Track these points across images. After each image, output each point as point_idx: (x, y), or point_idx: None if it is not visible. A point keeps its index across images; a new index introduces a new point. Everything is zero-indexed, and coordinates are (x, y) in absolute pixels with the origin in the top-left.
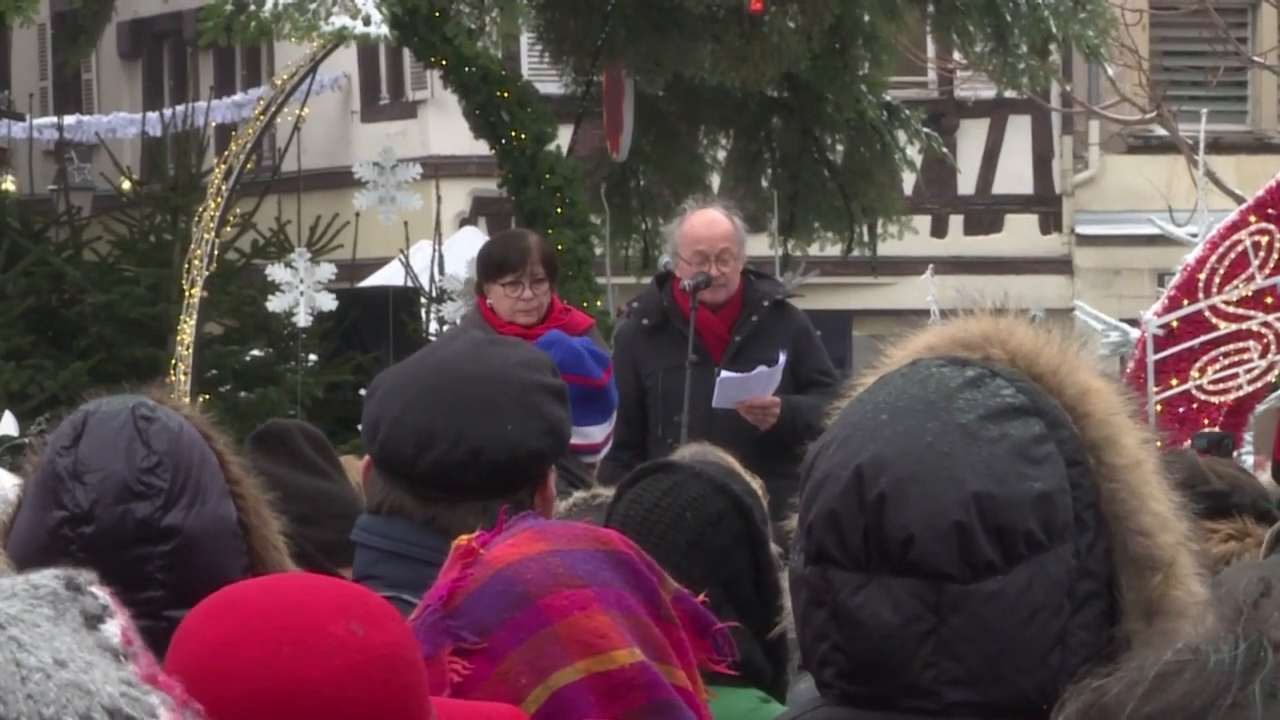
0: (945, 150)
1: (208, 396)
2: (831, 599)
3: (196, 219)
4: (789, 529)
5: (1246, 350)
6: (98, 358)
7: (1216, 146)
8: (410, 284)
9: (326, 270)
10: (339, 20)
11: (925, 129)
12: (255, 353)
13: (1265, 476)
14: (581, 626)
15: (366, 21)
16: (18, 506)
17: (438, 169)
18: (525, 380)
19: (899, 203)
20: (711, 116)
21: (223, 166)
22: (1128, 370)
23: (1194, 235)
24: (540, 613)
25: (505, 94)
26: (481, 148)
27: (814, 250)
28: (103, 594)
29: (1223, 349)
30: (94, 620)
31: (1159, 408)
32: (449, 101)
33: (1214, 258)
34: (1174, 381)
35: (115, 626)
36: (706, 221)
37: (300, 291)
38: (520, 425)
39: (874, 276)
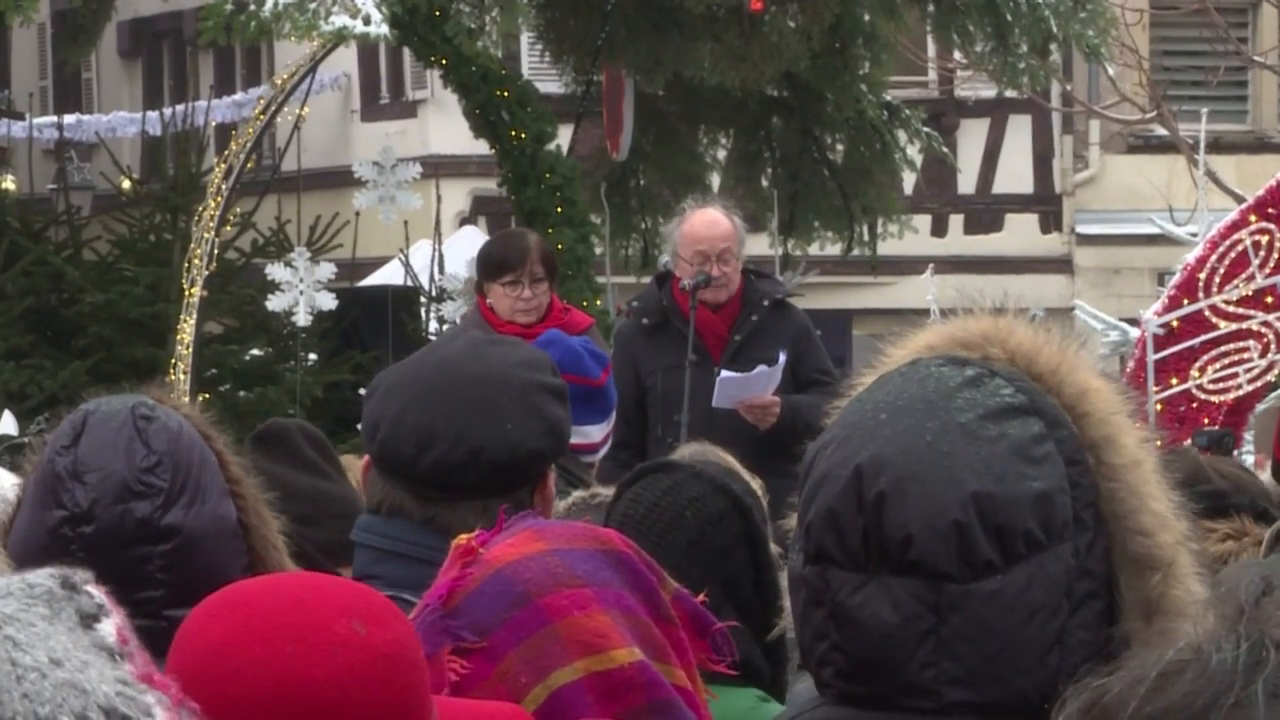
0: (945, 150)
1: (207, 396)
2: (830, 598)
3: (196, 218)
4: (788, 528)
5: (1246, 350)
6: (97, 357)
7: (1217, 146)
8: (410, 283)
9: (326, 270)
10: (339, 20)
11: (925, 128)
12: (255, 352)
13: (1265, 475)
14: (581, 626)
15: (366, 21)
16: (17, 506)
17: (437, 168)
18: (525, 380)
19: (899, 202)
20: (711, 116)
21: (222, 166)
22: (1128, 370)
23: (1194, 235)
24: (540, 612)
25: (505, 93)
26: (481, 147)
27: (814, 250)
28: (98, 593)
29: (1223, 348)
30: (89, 619)
31: (1159, 407)
32: (449, 101)
33: (1214, 257)
34: (1174, 381)
35: (111, 625)
36: (707, 221)
37: (300, 291)
38: (520, 425)
39: (874, 276)
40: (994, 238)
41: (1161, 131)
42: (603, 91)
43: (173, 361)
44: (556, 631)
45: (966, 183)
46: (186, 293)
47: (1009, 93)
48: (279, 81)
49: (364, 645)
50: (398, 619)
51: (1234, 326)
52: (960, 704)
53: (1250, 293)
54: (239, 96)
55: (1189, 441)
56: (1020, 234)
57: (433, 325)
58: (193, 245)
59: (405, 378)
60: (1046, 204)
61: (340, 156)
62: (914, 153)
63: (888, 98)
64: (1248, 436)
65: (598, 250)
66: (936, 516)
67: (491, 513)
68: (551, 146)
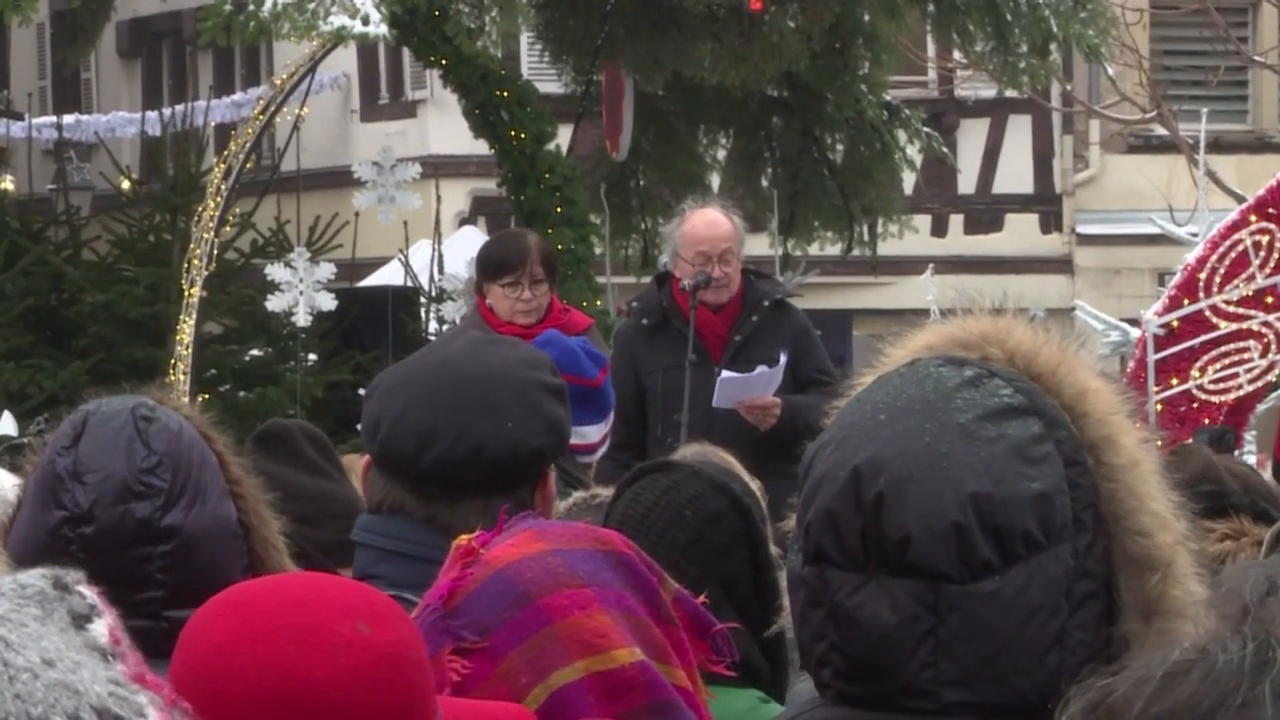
0: (945, 150)
1: (207, 396)
2: (829, 599)
3: (196, 218)
4: (788, 529)
5: (1247, 350)
6: (97, 357)
7: (1217, 146)
8: (410, 283)
9: (326, 270)
10: (338, 20)
11: (925, 128)
12: (255, 352)
13: (1266, 475)
14: (582, 626)
15: (365, 21)
16: (18, 506)
17: (437, 168)
18: (525, 379)
19: (899, 202)
20: (711, 116)
21: (222, 166)
22: (1128, 370)
23: (1194, 235)
24: (540, 612)
25: (505, 93)
26: (481, 147)
27: (814, 250)
28: (90, 593)
29: (1223, 348)
30: (82, 620)
31: (1159, 407)
32: (448, 101)
33: (1214, 257)
34: (1174, 381)
35: (103, 626)
36: (708, 222)
37: (300, 291)
38: (521, 423)
39: (874, 276)
40: (994, 238)
41: (1162, 131)
42: (602, 91)
43: (172, 362)
44: (557, 631)
45: (966, 183)
46: (186, 293)
47: (1009, 92)
48: (278, 81)
49: (367, 645)
50: (401, 619)
51: (1234, 326)
52: (959, 705)
53: (1250, 293)
54: (238, 96)
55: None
56: (1020, 234)
57: (432, 325)
58: (192, 245)
59: (405, 377)
60: (1046, 204)
61: (340, 157)
62: (914, 153)
63: (888, 98)
64: (1248, 436)
65: (597, 250)
66: (935, 517)
67: (493, 511)
68: (551, 146)
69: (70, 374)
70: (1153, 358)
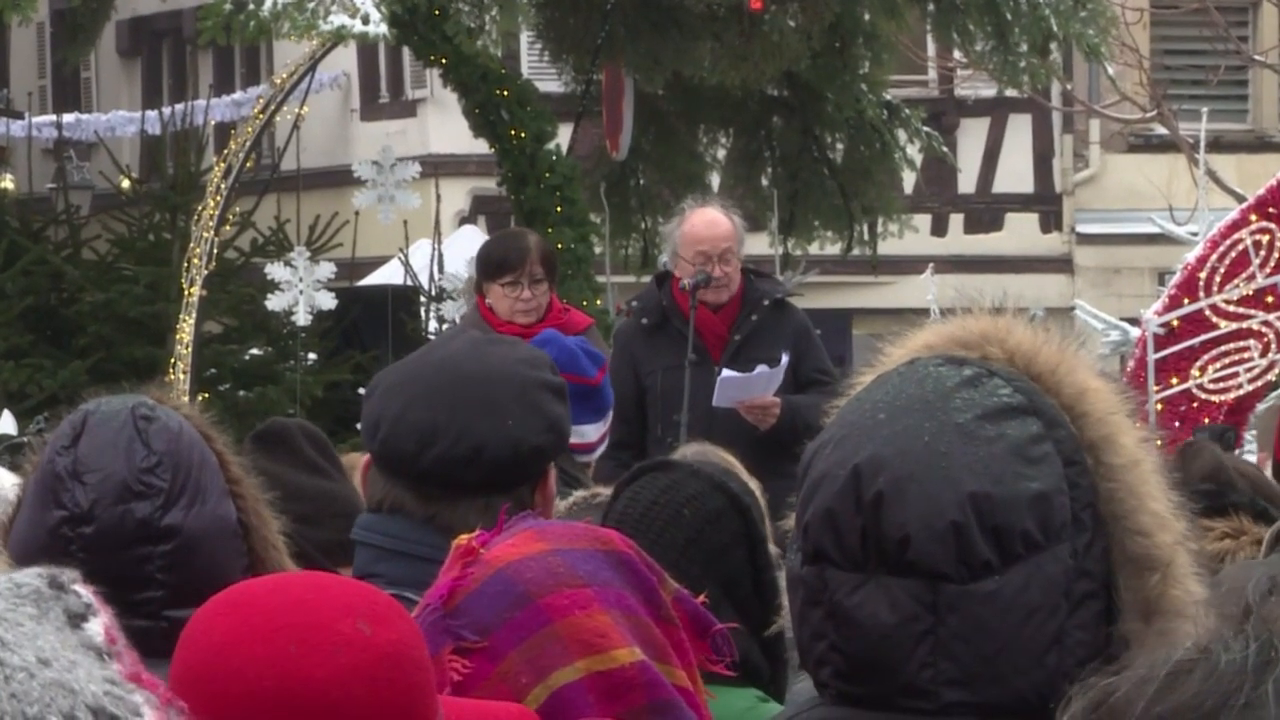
0: (945, 149)
1: (207, 395)
2: (828, 598)
3: (195, 218)
4: (787, 528)
5: (1247, 349)
6: (96, 357)
7: (1217, 145)
8: (410, 283)
9: (326, 269)
10: (338, 19)
11: (925, 128)
12: (254, 351)
13: (1266, 474)
14: (582, 626)
15: (365, 20)
16: (17, 506)
17: (437, 168)
18: (526, 377)
19: (899, 201)
20: (711, 115)
21: (222, 165)
22: (1128, 369)
23: (1194, 234)
24: (541, 612)
25: (505, 93)
26: (481, 146)
27: (814, 249)
28: (86, 592)
29: (1223, 348)
30: (77, 619)
31: (1159, 407)
32: (448, 100)
33: (1214, 256)
34: (1174, 380)
35: (98, 625)
36: (708, 222)
37: (299, 290)
38: (521, 422)
39: (874, 275)
40: (994, 237)
41: (1162, 131)
42: (602, 91)
43: (172, 361)
44: (557, 631)
45: (966, 182)
46: (186, 292)
47: (1009, 92)
48: (278, 81)
49: (367, 645)
50: (402, 618)
51: (1234, 326)
52: (958, 704)
53: (1251, 292)
54: (238, 96)
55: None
56: (1020, 233)
57: (432, 325)
58: (192, 244)
59: (405, 376)
60: (1047, 203)
61: (340, 156)
62: (914, 152)
63: (888, 97)
64: (1249, 436)
65: (597, 250)
66: (934, 517)
67: (493, 510)
68: (551, 146)
69: (70, 373)
70: (1153, 357)
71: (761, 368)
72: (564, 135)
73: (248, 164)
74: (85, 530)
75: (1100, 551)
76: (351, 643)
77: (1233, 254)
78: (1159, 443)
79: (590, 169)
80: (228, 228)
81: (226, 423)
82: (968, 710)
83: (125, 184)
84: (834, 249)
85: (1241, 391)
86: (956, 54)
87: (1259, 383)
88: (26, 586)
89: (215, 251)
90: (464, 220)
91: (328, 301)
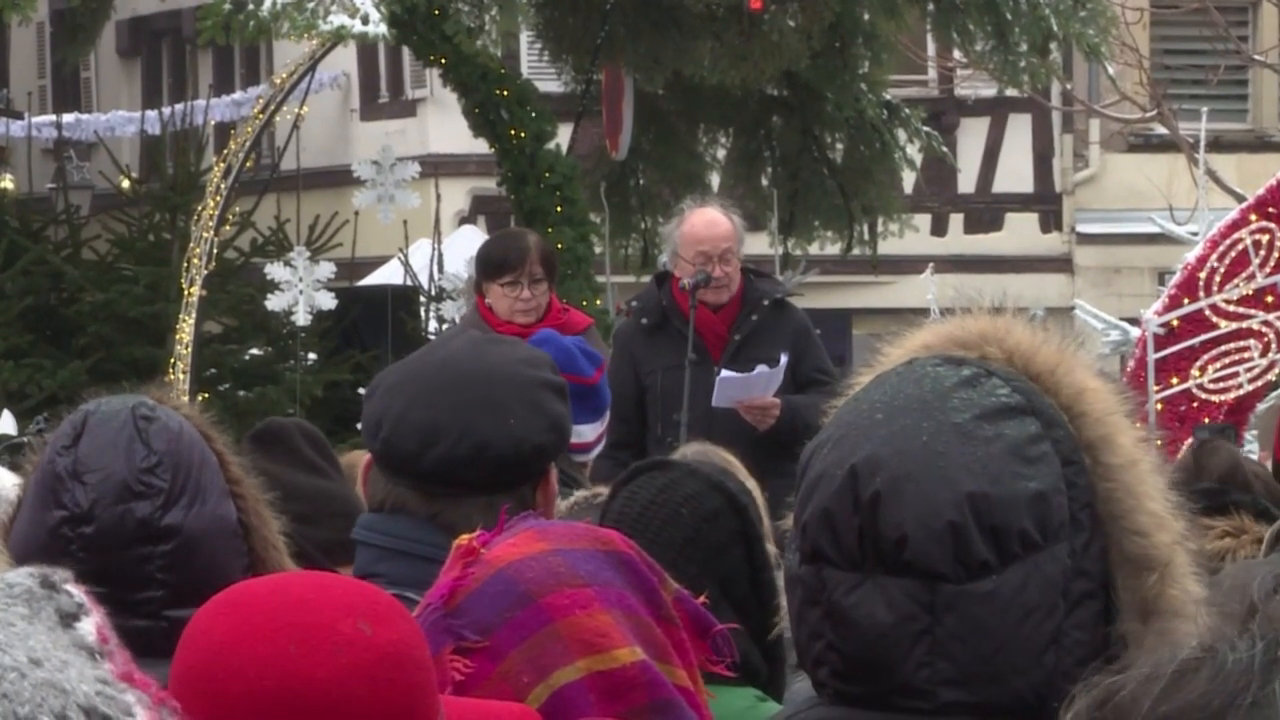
0: (945, 149)
1: (207, 395)
2: (826, 598)
3: (195, 217)
4: (786, 528)
5: (1247, 349)
6: (96, 357)
7: (1217, 145)
8: (409, 283)
9: (325, 269)
10: (337, 19)
11: (925, 127)
12: (254, 351)
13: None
14: (583, 625)
15: (365, 20)
16: (18, 506)
17: (437, 167)
18: (527, 376)
19: (899, 201)
20: (711, 115)
21: (222, 165)
22: (1128, 369)
23: (1194, 234)
24: (541, 611)
25: (504, 92)
26: (481, 146)
27: (814, 249)
28: (78, 592)
29: (1223, 348)
30: (69, 618)
31: (1159, 406)
32: (448, 100)
33: (1214, 256)
34: (1174, 380)
35: (90, 625)
36: (708, 221)
37: (299, 290)
38: (523, 420)
39: (874, 275)
40: (994, 237)
41: (1162, 130)
42: (602, 90)
43: (172, 361)
44: (558, 631)
45: (966, 182)
46: (186, 292)
47: (1009, 92)
48: (278, 80)
49: (368, 645)
50: (403, 618)
51: (1234, 326)
52: (956, 704)
53: (1250, 292)
54: (238, 95)
55: (1191, 438)
56: (1020, 233)
57: (432, 325)
58: (192, 244)
59: (407, 376)
60: (1046, 203)
61: (339, 156)
62: (914, 152)
63: (888, 97)
64: (1249, 436)
65: (597, 249)
66: (932, 517)
67: (495, 509)
68: (551, 145)
69: (70, 373)
70: (1153, 357)
71: (761, 368)
72: (564, 135)
73: (248, 164)
74: (85, 530)
75: (1098, 551)
76: (352, 642)
77: (1233, 254)
78: (1158, 442)
79: (590, 169)
80: (227, 228)
81: (226, 423)
82: (965, 710)
83: (125, 184)
84: (834, 249)
85: (1241, 391)
86: (956, 54)
87: (1259, 382)
88: (18, 586)
89: (215, 251)
90: (464, 220)
91: (327, 301)
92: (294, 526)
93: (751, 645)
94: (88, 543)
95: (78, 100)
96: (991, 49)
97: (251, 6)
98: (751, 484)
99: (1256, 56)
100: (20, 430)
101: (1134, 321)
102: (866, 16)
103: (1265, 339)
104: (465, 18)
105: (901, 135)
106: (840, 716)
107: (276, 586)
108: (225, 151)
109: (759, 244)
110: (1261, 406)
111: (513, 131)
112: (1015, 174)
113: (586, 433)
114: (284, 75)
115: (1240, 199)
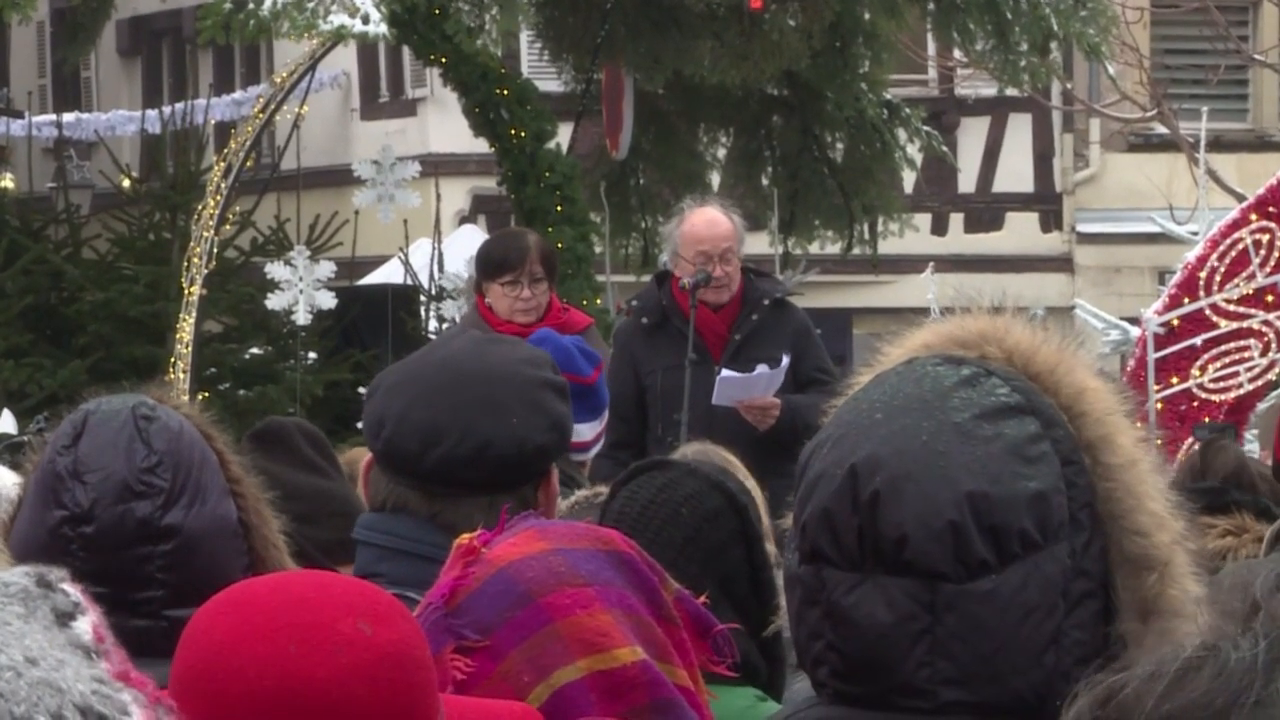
0: (945, 148)
1: (207, 395)
2: (825, 598)
3: (196, 217)
4: (786, 528)
5: (1247, 348)
6: (96, 356)
7: (1217, 144)
8: (410, 282)
9: (326, 268)
10: (337, 18)
11: (925, 127)
12: (254, 351)
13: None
14: (583, 625)
15: (365, 20)
16: (18, 505)
17: (437, 167)
18: (528, 376)
19: (899, 201)
20: (711, 114)
21: (222, 164)
22: (1128, 369)
23: (1195, 233)
24: (542, 611)
25: (505, 92)
26: (481, 145)
27: (814, 248)
28: (74, 591)
29: (1223, 347)
30: (65, 618)
31: (1160, 406)
32: (448, 99)
33: (1215, 256)
34: (1175, 380)
35: (86, 624)
36: (708, 221)
37: (299, 289)
38: (525, 420)
39: (874, 275)
40: (994, 236)
41: (1162, 130)
42: (602, 90)
43: (172, 360)
44: (558, 630)
45: (967, 181)
46: (186, 291)
47: (1009, 91)
48: (278, 80)
49: (368, 645)
50: (404, 618)
51: (1235, 325)
52: (955, 704)
53: (1251, 291)
54: (238, 95)
55: (1192, 437)
56: (1020, 233)
57: (432, 324)
58: (192, 244)
59: (408, 376)
60: (1047, 203)
61: (340, 155)
62: (914, 151)
63: (888, 96)
64: (1249, 435)
65: (597, 249)
66: (931, 516)
67: (496, 509)
68: (551, 145)
69: (70, 372)
70: (1153, 356)
71: (761, 368)
72: (564, 134)
73: (248, 163)
74: (86, 530)
75: (1098, 551)
76: (353, 642)
77: (1233, 253)
78: (1158, 442)
79: (590, 168)
80: (228, 227)
81: (226, 422)
82: (965, 709)
83: (125, 183)
84: (834, 248)
85: (1242, 391)
86: (957, 53)
87: (1259, 382)
88: (14, 585)
89: (215, 251)
90: (464, 219)
91: (328, 301)
92: (294, 526)
93: (752, 645)
94: (88, 542)
95: (78, 99)
96: (992, 48)
97: (252, 6)
98: (751, 484)
99: (1257, 56)
100: (20, 430)
101: (1134, 321)
102: (867, 16)
103: (1265, 338)
104: (465, 17)
105: (902, 135)
106: (840, 716)
107: (276, 586)
108: (225, 151)
109: (759, 243)
110: (1262, 406)
111: (513, 131)
112: (1015, 173)
113: (585, 432)
114: (284, 75)
115: (1240, 198)
